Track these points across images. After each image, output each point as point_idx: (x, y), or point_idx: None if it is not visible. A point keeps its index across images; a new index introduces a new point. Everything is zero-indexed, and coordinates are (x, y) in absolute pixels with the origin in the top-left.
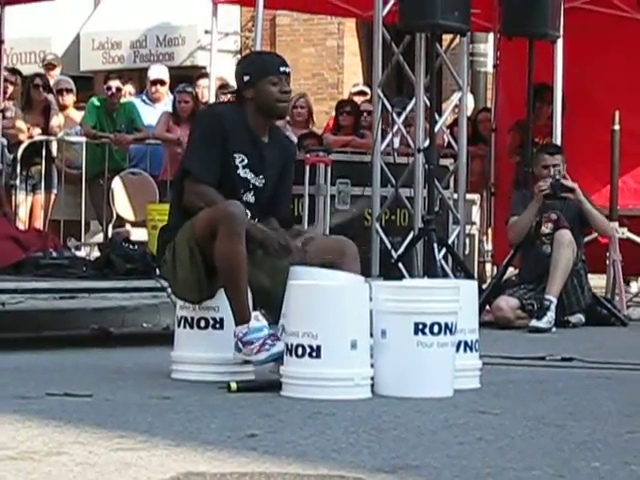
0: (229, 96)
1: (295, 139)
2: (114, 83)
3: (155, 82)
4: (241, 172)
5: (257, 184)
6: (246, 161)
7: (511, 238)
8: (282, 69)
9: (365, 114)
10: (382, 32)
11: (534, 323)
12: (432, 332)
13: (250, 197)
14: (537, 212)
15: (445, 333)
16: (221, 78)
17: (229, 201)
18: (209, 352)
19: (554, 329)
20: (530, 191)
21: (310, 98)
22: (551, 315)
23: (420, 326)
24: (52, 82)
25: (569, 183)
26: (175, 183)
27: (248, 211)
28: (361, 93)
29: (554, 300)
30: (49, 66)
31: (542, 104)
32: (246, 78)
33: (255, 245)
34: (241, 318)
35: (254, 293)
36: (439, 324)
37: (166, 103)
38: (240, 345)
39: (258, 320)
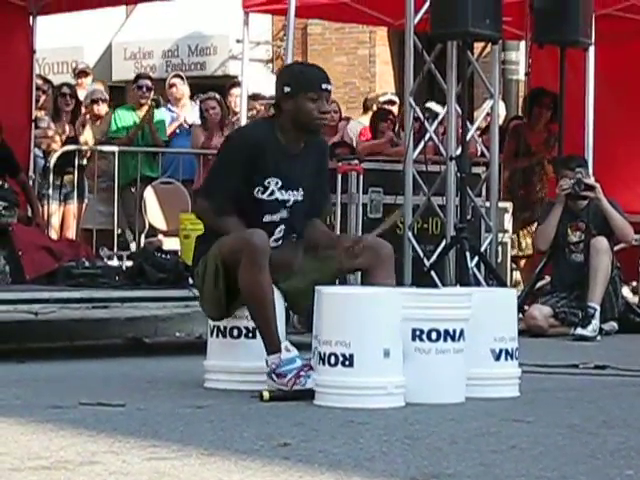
0: (261, 106)
1: None
2: (144, 82)
3: (171, 85)
4: (278, 195)
5: (296, 199)
6: (281, 183)
7: (538, 245)
8: (324, 86)
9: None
10: (414, 40)
11: (579, 331)
12: (430, 339)
13: (285, 213)
14: (562, 218)
15: (445, 340)
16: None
17: (252, 231)
18: (242, 361)
19: (599, 337)
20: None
21: (342, 107)
22: (596, 323)
23: (417, 332)
24: (83, 92)
25: (590, 181)
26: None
27: (283, 226)
28: (390, 102)
29: (597, 307)
30: (80, 74)
31: (541, 108)
32: (287, 89)
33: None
34: (271, 346)
35: (288, 299)
36: (437, 331)
37: (188, 111)
38: (274, 377)
39: (289, 350)
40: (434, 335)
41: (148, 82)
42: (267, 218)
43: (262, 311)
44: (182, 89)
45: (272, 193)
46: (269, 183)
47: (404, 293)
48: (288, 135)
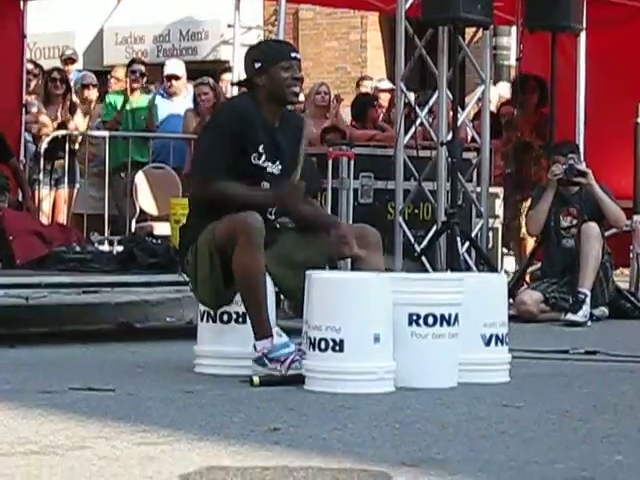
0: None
1: (318, 132)
2: (138, 67)
3: (169, 77)
4: (259, 162)
5: (274, 172)
6: (262, 151)
7: (530, 229)
8: (293, 55)
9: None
10: (405, 26)
11: (570, 317)
12: (427, 323)
13: (266, 186)
14: (554, 203)
15: (442, 324)
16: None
17: (248, 212)
18: (232, 346)
19: (589, 322)
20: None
21: (333, 92)
22: (586, 308)
23: (414, 317)
24: (70, 77)
25: (582, 167)
26: (191, 181)
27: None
28: (386, 90)
29: (588, 293)
30: (68, 61)
31: (528, 94)
32: (257, 65)
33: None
34: (262, 332)
35: (279, 285)
36: (434, 315)
37: (184, 96)
38: (266, 361)
39: (281, 336)
40: (430, 320)
41: (142, 67)
42: (263, 184)
43: (255, 293)
44: (178, 86)
45: (257, 157)
46: (262, 149)
47: (400, 278)
48: (264, 109)
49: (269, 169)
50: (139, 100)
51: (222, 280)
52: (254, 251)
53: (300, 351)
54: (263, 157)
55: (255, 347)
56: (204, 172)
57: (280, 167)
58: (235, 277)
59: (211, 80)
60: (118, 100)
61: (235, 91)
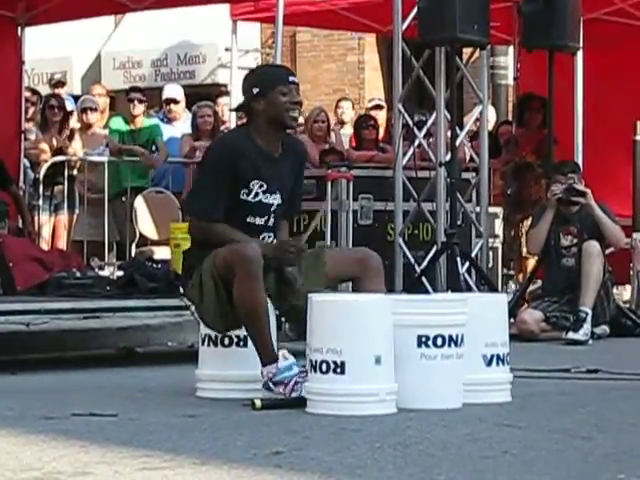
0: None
1: (317, 154)
2: (136, 95)
3: (168, 101)
4: (262, 198)
5: (277, 202)
6: (265, 186)
7: (530, 248)
8: (291, 79)
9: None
10: (402, 47)
11: (571, 335)
12: (435, 344)
13: (270, 220)
14: (554, 222)
15: (450, 345)
16: None
17: (244, 243)
18: (233, 370)
19: (590, 341)
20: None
21: (331, 114)
22: (587, 327)
23: (423, 338)
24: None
25: (581, 187)
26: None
27: (265, 234)
28: (378, 107)
29: (589, 312)
30: (57, 85)
31: (531, 113)
32: (255, 90)
33: (270, 262)
34: (267, 358)
35: (280, 309)
36: (443, 336)
37: (184, 121)
38: (271, 385)
39: (286, 358)
40: (439, 341)
41: (139, 95)
42: (250, 219)
43: (257, 323)
44: (177, 110)
45: (256, 195)
46: (253, 186)
47: (406, 300)
48: (265, 137)
49: (271, 201)
50: (143, 122)
51: (229, 305)
52: (252, 283)
53: (304, 373)
54: (262, 190)
55: (262, 373)
56: (200, 210)
57: (280, 197)
58: (237, 308)
59: (212, 104)
60: (121, 125)
61: (234, 114)
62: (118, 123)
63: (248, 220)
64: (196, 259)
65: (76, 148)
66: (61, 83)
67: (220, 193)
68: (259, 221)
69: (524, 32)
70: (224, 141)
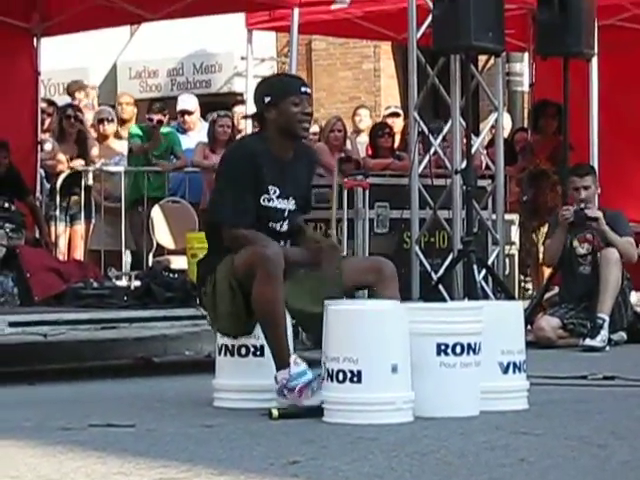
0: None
1: (334, 162)
2: (156, 116)
3: (182, 113)
4: (277, 203)
5: (290, 208)
6: (278, 191)
7: (547, 261)
8: (303, 89)
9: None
10: (417, 55)
11: (588, 342)
12: (455, 352)
13: (285, 226)
14: (570, 230)
15: (468, 353)
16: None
17: (266, 243)
18: (250, 379)
19: (608, 347)
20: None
21: (348, 122)
22: (604, 334)
23: (442, 347)
24: (83, 103)
25: (592, 212)
26: (207, 216)
27: (282, 241)
28: (394, 115)
29: (607, 318)
30: (76, 90)
31: (547, 119)
32: (267, 99)
33: (302, 267)
34: (281, 362)
35: (296, 317)
36: (461, 344)
37: (199, 130)
38: (285, 392)
39: (297, 364)
40: (458, 349)
41: (160, 116)
42: (271, 225)
43: (275, 325)
44: (192, 121)
45: (271, 200)
46: (268, 192)
47: (424, 308)
48: (276, 145)
49: (284, 206)
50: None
51: (244, 309)
52: (273, 284)
53: (319, 379)
54: (276, 196)
55: (276, 378)
56: (232, 218)
57: (295, 202)
58: (254, 309)
59: (231, 114)
60: (140, 132)
61: (249, 122)
62: (137, 129)
63: (269, 226)
64: (210, 267)
65: (93, 157)
66: (79, 87)
67: (246, 198)
68: (278, 227)
69: (539, 39)
70: (242, 146)
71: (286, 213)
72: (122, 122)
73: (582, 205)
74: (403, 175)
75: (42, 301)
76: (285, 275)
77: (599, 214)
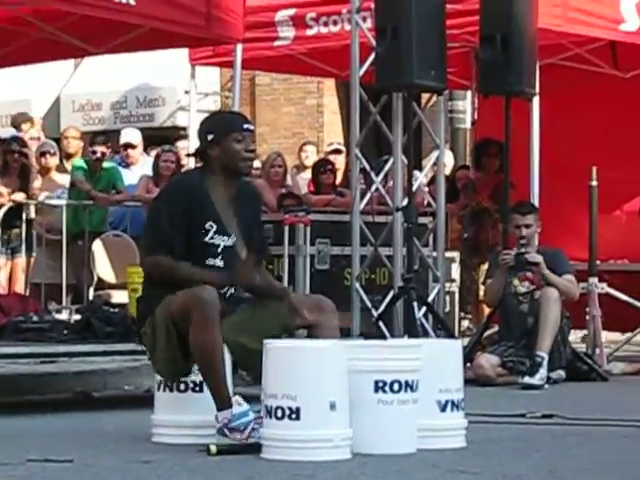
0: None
1: (274, 199)
2: (99, 148)
3: (126, 146)
4: (215, 239)
5: (228, 244)
6: (216, 227)
7: (488, 301)
8: (245, 126)
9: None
10: (359, 92)
11: (527, 380)
12: (392, 390)
13: (219, 262)
14: (511, 268)
15: (406, 390)
16: None
17: (202, 287)
18: (189, 415)
19: (546, 386)
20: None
21: (291, 157)
22: (543, 372)
23: (380, 384)
24: (28, 135)
25: (533, 257)
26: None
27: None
28: (336, 151)
29: (546, 356)
30: (22, 122)
31: (489, 158)
32: (210, 137)
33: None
34: (222, 404)
35: (237, 353)
36: (399, 382)
37: (142, 165)
38: (226, 431)
39: (240, 404)
40: (396, 386)
41: (104, 148)
42: (210, 262)
43: (213, 368)
44: (134, 155)
45: (212, 237)
46: (210, 226)
47: (363, 345)
48: (219, 182)
49: (222, 243)
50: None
51: (180, 353)
52: (209, 327)
53: (259, 419)
54: (212, 233)
55: (217, 418)
56: (150, 246)
57: (234, 239)
58: (193, 353)
59: (175, 149)
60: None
61: (192, 161)
62: (82, 162)
63: (207, 263)
64: (149, 306)
65: (36, 187)
66: (25, 119)
67: (168, 229)
68: (216, 262)
69: (481, 78)
70: (180, 181)
71: (220, 249)
72: (68, 156)
73: (522, 249)
74: (345, 212)
75: None
76: (228, 311)
77: (539, 259)
